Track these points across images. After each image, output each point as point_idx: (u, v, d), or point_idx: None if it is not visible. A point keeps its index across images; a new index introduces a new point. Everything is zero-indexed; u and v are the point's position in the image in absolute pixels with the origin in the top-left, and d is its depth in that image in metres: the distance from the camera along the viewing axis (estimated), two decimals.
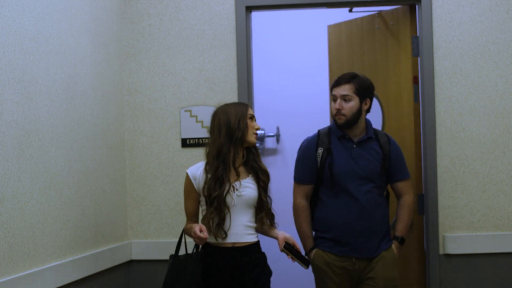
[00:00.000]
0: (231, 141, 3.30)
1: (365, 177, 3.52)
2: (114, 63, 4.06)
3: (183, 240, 3.39)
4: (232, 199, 3.28)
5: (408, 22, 4.17)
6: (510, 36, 4.05)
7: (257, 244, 3.37)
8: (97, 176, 3.76)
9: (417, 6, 4.14)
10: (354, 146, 3.55)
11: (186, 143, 4.19)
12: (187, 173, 3.37)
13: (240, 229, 3.30)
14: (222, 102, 4.17)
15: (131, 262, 4.14)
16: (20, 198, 2.92)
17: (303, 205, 3.63)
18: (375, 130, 3.63)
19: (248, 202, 3.32)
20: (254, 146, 3.40)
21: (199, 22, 4.21)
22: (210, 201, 3.28)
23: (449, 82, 4.08)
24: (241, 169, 3.35)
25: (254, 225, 3.35)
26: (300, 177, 3.65)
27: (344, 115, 3.51)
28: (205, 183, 3.28)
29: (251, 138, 3.36)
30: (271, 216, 3.41)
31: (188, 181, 3.36)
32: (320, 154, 3.58)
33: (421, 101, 4.12)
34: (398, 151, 3.64)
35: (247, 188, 3.32)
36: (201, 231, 3.16)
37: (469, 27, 4.07)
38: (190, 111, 4.17)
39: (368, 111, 3.59)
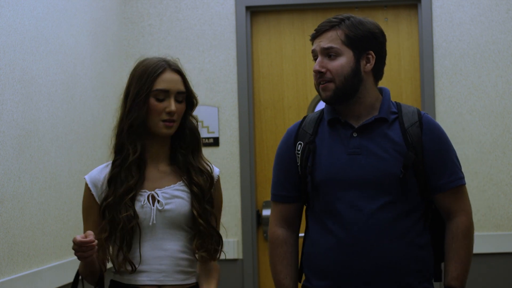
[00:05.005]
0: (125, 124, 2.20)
1: (371, 185, 2.18)
2: (114, 63, 4.06)
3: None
4: (150, 215, 2.15)
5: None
6: (510, 36, 4.05)
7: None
8: None
9: (418, 6, 4.15)
10: (354, 134, 2.21)
11: None
12: (85, 180, 2.25)
13: (168, 264, 2.16)
14: (222, 102, 4.21)
15: None
16: (20, 198, 2.92)
17: (279, 235, 2.31)
18: (399, 106, 2.27)
19: (177, 221, 2.16)
20: (194, 135, 2.24)
21: (199, 22, 4.21)
22: (102, 210, 2.18)
23: (449, 82, 4.08)
24: (166, 170, 2.22)
25: (191, 257, 2.20)
26: (274, 191, 2.35)
27: (331, 80, 2.18)
28: None
29: (157, 127, 2.17)
30: (211, 241, 2.18)
31: (87, 192, 2.23)
32: (300, 152, 2.27)
33: (421, 101, 4.12)
34: (439, 139, 2.24)
35: (175, 198, 2.17)
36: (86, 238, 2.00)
37: (469, 27, 4.07)
38: None
39: (377, 74, 2.26)
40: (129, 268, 2.14)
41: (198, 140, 2.25)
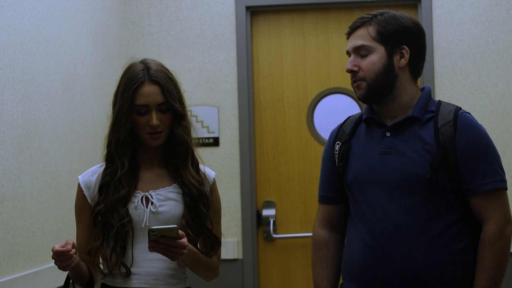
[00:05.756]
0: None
1: (399, 186, 2.11)
2: (114, 63, 4.06)
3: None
4: (143, 217, 2.13)
5: None
6: (510, 36, 4.05)
7: None
8: None
9: (418, 5, 4.15)
10: (387, 133, 2.16)
11: None
12: (78, 181, 2.22)
13: (160, 267, 2.13)
14: (222, 102, 4.21)
15: None
16: (20, 198, 2.92)
17: (320, 237, 2.28)
18: (439, 105, 2.17)
19: (170, 223, 2.10)
20: (181, 146, 2.18)
21: (199, 22, 4.22)
22: (93, 216, 2.15)
23: (449, 82, 4.08)
24: (161, 172, 2.20)
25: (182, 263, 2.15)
26: (319, 193, 2.34)
27: (363, 79, 2.15)
28: None
29: (144, 139, 2.16)
30: (206, 243, 2.18)
31: (80, 193, 2.20)
32: (337, 153, 2.25)
33: None
34: (474, 139, 2.11)
35: (168, 201, 2.15)
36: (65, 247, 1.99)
37: (469, 27, 4.07)
38: (191, 111, 4.17)
39: (414, 69, 2.19)
40: (124, 271, 2.12)
41: (186, 151, 2.18)
